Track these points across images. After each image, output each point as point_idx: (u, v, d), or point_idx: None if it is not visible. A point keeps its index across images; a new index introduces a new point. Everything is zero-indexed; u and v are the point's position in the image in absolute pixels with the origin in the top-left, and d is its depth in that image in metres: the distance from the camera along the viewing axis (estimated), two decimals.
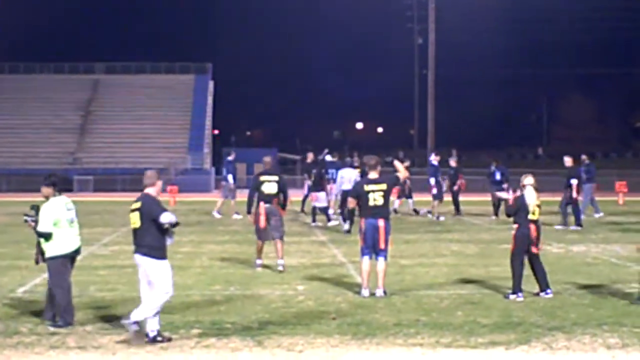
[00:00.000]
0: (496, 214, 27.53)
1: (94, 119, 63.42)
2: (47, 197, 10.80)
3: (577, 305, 12.15)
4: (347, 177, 23.84)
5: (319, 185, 25.43)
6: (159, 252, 10.02)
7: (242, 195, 22.46)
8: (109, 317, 11.28)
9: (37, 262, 11.07)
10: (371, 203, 12.78)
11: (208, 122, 65.09)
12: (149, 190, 10.22)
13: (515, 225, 12.84)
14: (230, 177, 28.69)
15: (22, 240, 20.15)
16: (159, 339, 9.93)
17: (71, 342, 9.98)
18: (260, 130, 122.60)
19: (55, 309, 10.74)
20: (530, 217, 12.77)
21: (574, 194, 24.18)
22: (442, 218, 27.35)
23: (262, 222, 15.63)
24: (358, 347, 9.81)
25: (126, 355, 9.50)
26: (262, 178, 15.91)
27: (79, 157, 58.46)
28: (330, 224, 24.81)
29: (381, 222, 12.74)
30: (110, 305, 12.14)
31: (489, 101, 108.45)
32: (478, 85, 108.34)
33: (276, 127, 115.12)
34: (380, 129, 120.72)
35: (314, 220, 25.52)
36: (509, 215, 13.12)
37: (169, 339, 10.01)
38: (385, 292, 12.80)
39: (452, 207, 28.89)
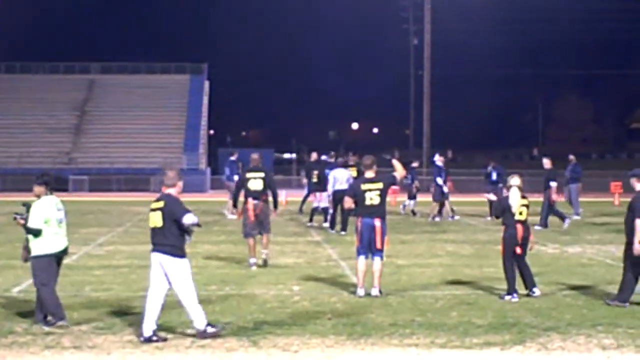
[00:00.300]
0: (491, 214, 27.55)
1: (89, 119, 63.29)
2: (38, 196, 10.86)
3: (572, 306, 12.18)
4: (340, 177, 23.07)
5: (322, 185, 25.27)
6: (180, 251, 10.13)
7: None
8: (104, 317, 11.28)
9: (25, 260, 11.07)
10: (367, 202, 12.80)
11: (203, 122, 64.99)
12: (170, 191, 10.29)
13: (503, 227, 12.85)
14: (235, 177, 28.70)
15: (17, 239, 20.04)
16: (154, 338, 9.94)
17: (66, 342, 9.98)
18: (255, 130, 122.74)
19: (45, 309, 10.73)
20: (517, 217, 12.77)
21: (554, 196, 24.51)
22: (437, 219, 27.52)
23: (251, 217, 15.93)
24: (353, 347, 9.81)
25: (121, 355, 9.50)
26: (248, 175, 16.23)
27: (74, 157, 58.35)
28: (326, 224, 24.79)
29: (377, 222, 12.74)
30: (106, 305, 12.13)
31: (485, 102, 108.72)
32: (474, 86, 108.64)
33: (271, 127, 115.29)
34: (375, 129, 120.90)
35: (310, 220, 25.55)
36: (496, 217, 13.20)
37: (165, 339, 10.02)
38: (380, 292, 12.82)
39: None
